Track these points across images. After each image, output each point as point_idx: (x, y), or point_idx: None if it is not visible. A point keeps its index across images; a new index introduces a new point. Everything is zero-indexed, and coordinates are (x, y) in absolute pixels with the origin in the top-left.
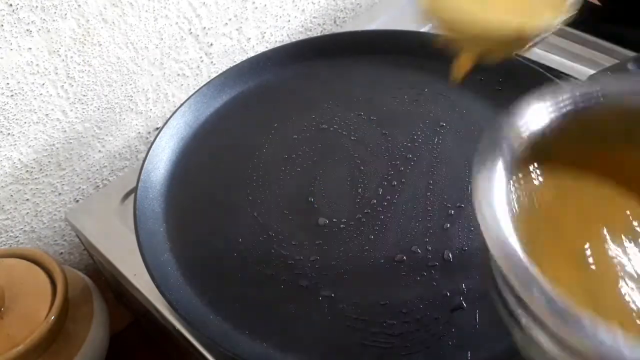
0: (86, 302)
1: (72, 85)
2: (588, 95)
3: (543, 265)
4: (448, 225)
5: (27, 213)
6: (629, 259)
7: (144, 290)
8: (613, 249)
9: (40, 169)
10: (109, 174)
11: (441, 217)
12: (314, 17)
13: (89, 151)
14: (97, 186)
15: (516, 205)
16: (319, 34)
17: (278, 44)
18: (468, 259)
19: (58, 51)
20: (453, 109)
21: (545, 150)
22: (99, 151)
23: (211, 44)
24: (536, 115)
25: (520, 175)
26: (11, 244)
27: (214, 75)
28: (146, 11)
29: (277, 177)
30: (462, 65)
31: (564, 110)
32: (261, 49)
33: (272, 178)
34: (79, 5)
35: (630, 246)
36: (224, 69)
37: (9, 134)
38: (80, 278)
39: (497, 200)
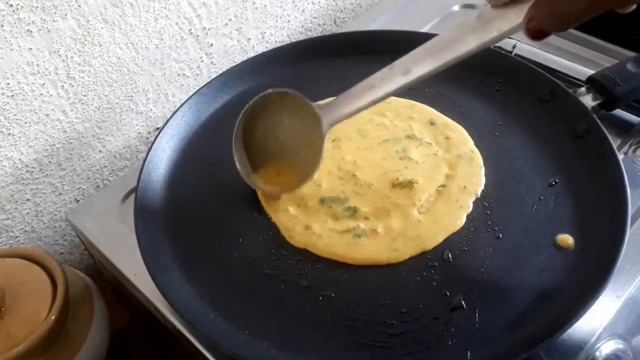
0: (86, 302)
1: (73, 86)
2: None
3: None
4: None
5: (28, 213)
6: None
7: (144, 290)
8: None
9: (41, 169)
10: (110, 174)
11: None
12: (314, 18)
13: (89, 151)
14: (98, 186)
15: None
16: (319, 34)
17: (278, 44)
18: (468, 259)
19: (58, 51)
20: (453, 109)
21: None
22: (100, 151)
23: (211, 44)
24: None
25: None
26: (12, 244)
27: (214, 75)
28: (146, 11)
29: None
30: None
31: None
32: (261, 49)
33: None
34: (79, 6)
35: None
36: (224, 69)
37: (9, 134)
38: (80, 278)
39: None
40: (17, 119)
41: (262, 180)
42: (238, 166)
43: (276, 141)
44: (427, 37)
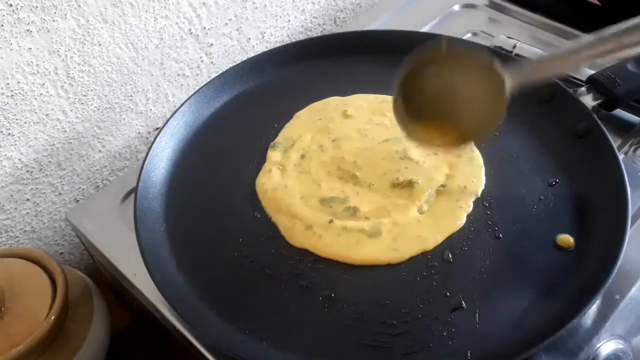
0: (86, 302)
1: (72, 85)
2: None
3: None
4: None
5: (28, 213)
6: None
7: (144, 290)
8: None
9: (41, 169)
10: (109, 173)
11: None
12: (314, 17)
13: (89, 151)
14: (97, 186)
15: None
16: (319, 34)
17: (278, 44)
18: (468, 259)
19: (58, 51)
20: None
21: None
22: (99, 151)
23: (211, 44)
24: None
25: None
26: (11, 244)
27: (214, 75)
28: (146, 11)
29: None
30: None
31: None
32: (261, 49)
33: None
34: (79, 6)
35: None
36: (224, 69)
37: (9, 134)
38: (80, 278)
39: None
40: (16, 119)
41: (423, 136)
42: (398, 122)
43: (443, 98)
44: (427, 37)
